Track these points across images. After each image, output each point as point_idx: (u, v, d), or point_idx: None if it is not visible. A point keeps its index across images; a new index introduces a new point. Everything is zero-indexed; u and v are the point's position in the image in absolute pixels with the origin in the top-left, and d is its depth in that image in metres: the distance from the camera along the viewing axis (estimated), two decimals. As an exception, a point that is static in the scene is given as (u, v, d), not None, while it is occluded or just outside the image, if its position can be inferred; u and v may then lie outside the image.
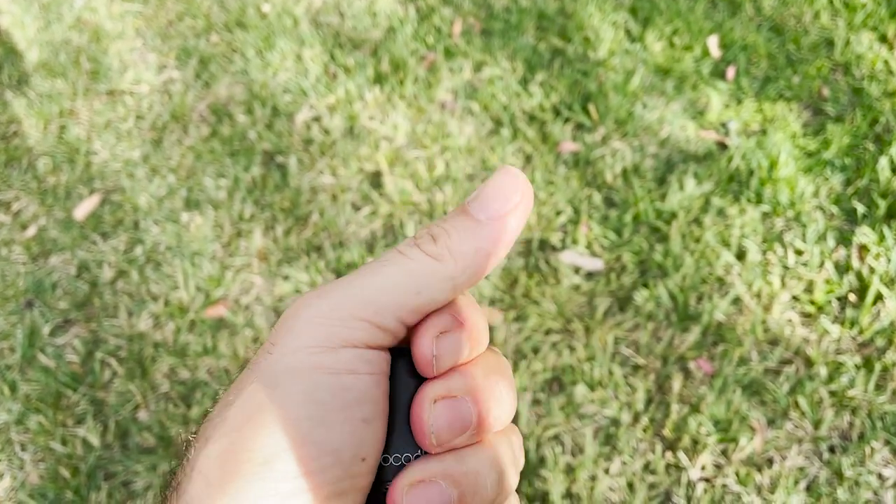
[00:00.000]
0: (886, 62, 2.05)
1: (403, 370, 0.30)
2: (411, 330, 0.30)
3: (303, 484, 0.26)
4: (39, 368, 1.47)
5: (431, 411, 0.28)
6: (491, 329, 1.45)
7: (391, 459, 0.29)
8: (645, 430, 1.31)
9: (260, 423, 0.26)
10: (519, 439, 0.33)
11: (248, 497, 0.25)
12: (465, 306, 0.30)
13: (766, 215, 1.66)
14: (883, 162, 1.74)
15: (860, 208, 1.65)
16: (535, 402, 1.36)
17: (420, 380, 0.30)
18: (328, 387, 0.27)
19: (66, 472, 1.32)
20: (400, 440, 0.30)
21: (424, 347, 0.29)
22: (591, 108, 1.92)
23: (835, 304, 1.49)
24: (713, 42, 2.14)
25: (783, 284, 1.52)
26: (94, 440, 1.36)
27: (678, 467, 1.27)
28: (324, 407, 0.27)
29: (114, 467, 1.33)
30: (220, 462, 0.26)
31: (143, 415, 1.39)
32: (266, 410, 0.26)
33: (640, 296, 1.50)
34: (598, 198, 1.70)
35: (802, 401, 1.33)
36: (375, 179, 1.78)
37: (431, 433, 0.28)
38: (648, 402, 1.36)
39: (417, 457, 0.30)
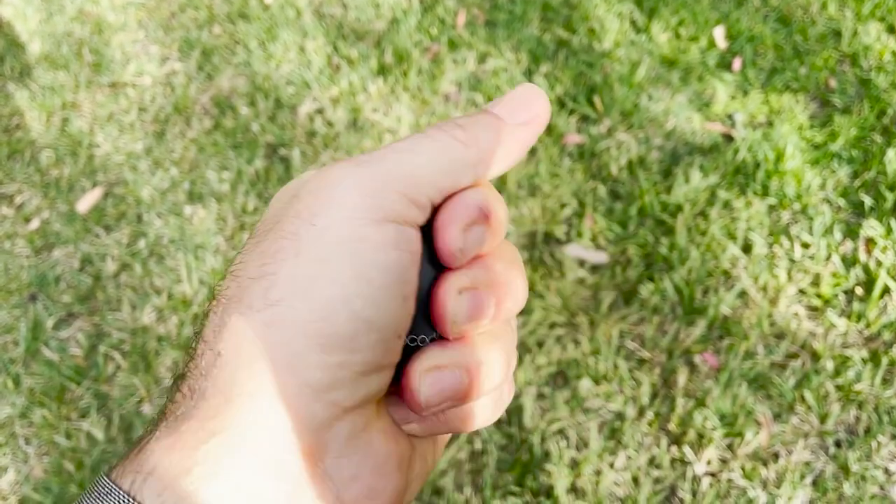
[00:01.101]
0: (894, 53, 2.03)
1: (426, 256, 0.31)
2: (434, 214, 0.31)
3: (350, 358, 0.27)
4: (43, 362, 1.47)
5: (457, 302, 0.29)
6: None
7: (407, 339, 0.30)
8: (650, 425, 1.31)
9: (311, 298, 0.26)
10: (515, 329, 0.34)
11: (293, 367, 0.26)
12: (491, 197, 0.31)
13: (772, 208, 1.65)
14: (890, 154, 1.72)
15: (867, 201, 1.63)
16: (540, 396, 1.36)
17: (439, 267, 0.31)
18: (377, 264, 0.27)
19: (70, 466, 1.32)
20: (417, 322, 0.30)
21: (453, 238, 0.29)
22: (597, 99, 1.91)
23: (841, 297, 1.48)
24: (719, 33, 2.13)
25: (789, 278, 1.51)
26: (99, 434, 1.36)
27: (683, 462, 1.27)
28: (372, 285, 0.27)
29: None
30: (265, 330, 0.26)
31: (147, 408, 1.39)
32: (317, 287, 0.27)
33: (646, 289, 1.49)
34: (603, 190, 1.69)
35: (809, 395, 1.32)
36: (379, 172, 1.77)
37: (454, 322, 0.29)
38: (654, 396, 1.35)
39: (433, 339, 0.31)
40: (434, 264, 0.31)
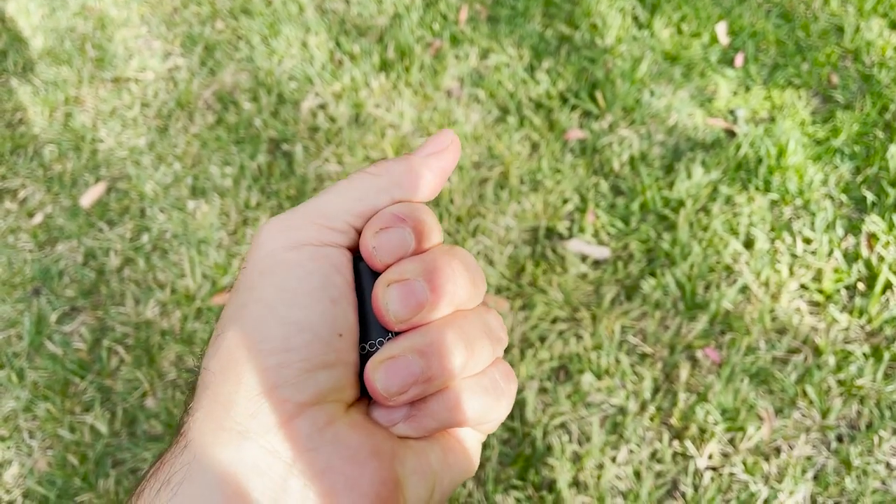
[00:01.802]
0: (897, 49, 2.03)
1: (367, 271, 0.34)
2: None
3: (287, 357, 0.30)
4: (47, 356, 1.47)
5: (385, 293, 0.32)
6: (498, 317, 1.45)
7: (367, 347, 0.34)
8: (652, 419, 1.31)
9: (245, 316, 0.31)
10: (497, 319, 0.37)
11: (241, 374, 0.30)
12: (408, 206, 0.35)
13: (774, 203, 1.65)
14: (892, 150, 1.72)
15: (869, 196, 1.63)
16: (542, 390, 1.36)
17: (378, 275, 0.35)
18: (295, 275, 0.31)
19: (74, 460, 1.32)
20: (373, 329, 0.34)
21: (366, 240, 0.33)
22: (599, 95, 1.91)
23: (843, 292, 1.48)
24: (721, 29, 2.13)
25: (791, 273, 1.51)
26: (102, 427, 1.36)
27: (685, 456, 1.27)
28: (294, 292, 0.31)
29: (122, 454, 1.33)
30: (220, 359, 0.30)
31: (150, 402, 1.39)
32: (249, 305, 0.31)
33: (648, 284, 1.49)
34: (605, 186, 1.69)
35: (810, 390, 1.33)
36: (381, 167, 1.77)
37: (389, 312, 0.32)
38: (655, 390, 1.35)
39: (389, 339, 0.33)
40: (377, 275, 0.34)
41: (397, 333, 0.33)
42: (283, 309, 0.31)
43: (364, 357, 0.33)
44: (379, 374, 0.31)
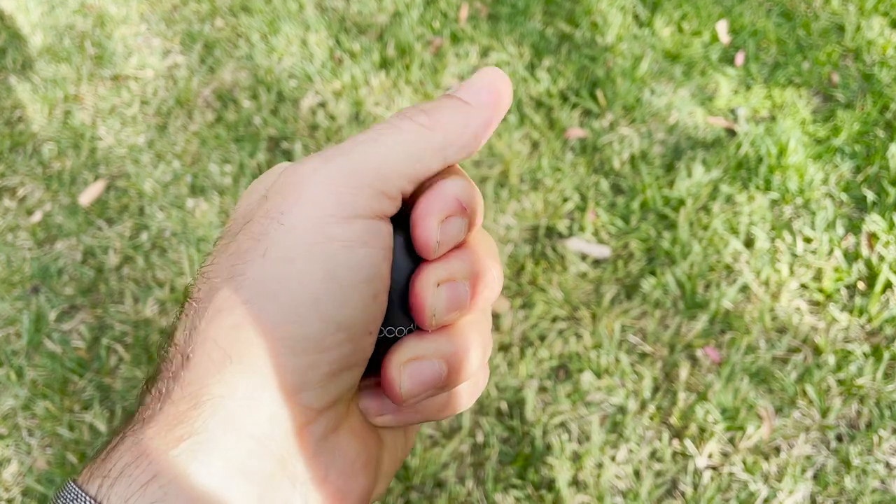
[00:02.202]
0: (898, 48, 2.03)
1: (399, 245, 0.30)
2: (408, 204, 0.30)
3: (319, 358, 0.26)
4: (46, 354, 1.47)
5: (435, 295, 0.29)
6: (498, 316, 1.45)
7: (384, 331, 0.30)
8: (652, 418, 1.31)
9: (279, 299, 0.26)
10: (490, 311, 0.35)
11: (263, 370, 0.26)
12: (468, 187, 0.31)
13: (774, 202, 1.65)
14: (893, 149, 1.72)
15: (870, 196, 1.63)
16: (542, 389, 1.36)
17: (415, 258, 0.31)
18: (345, 263, 0.27)
19: (73, 458, 1.32)
20: (394, 313, 0.30)
21: (430, 231, 0.29)
22: (599, 93, 1.91)
23: (843, 292, 1.48)
24: (722, 27, 2.12)
25: (791, 272, 1.51)
26: (101, 426, 1.36)
27: (685, 455, 1.27)
28: (340, 284, 0.27)
29: (121, 453, 1.33)
30: (234, 333, 0.26)
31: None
32: (285, 287, 0.26)
33: (648, 283, 1.49)
34: (605, 184, 1.69)
35: (810, 389, 1.32)
36: (381, 166, 1.77)
37: (433, 315, 0.29)
38: (655, 389, 1.35)
39: (410, 331, 0.31)
40: (410, 255, 0.31)
41: (417, 326, 0.31)
42: (326, 304, 0.26)
43: (381, 341, 0.30)
44: (404, 376, 0.29)
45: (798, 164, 1.70)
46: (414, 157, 0.29)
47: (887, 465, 1.25)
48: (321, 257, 0.27)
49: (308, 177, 0.28)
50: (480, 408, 1.34)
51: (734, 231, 1.58)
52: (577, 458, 1.27)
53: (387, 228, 0.29)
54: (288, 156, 1.81)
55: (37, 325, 1.52)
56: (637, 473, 1.25)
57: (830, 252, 1.54)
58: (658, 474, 1.25)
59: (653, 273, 1.51)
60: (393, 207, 0.29)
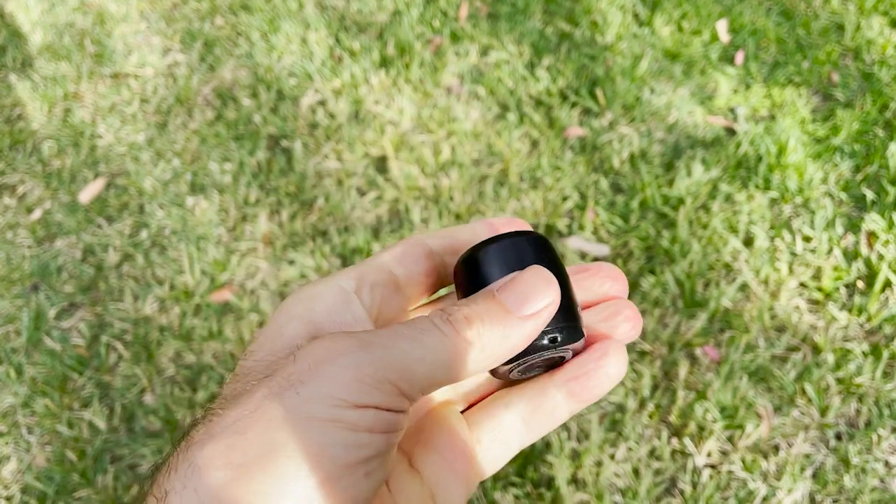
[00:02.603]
0: (897, 47, 2.03)
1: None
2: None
3: None
4: (45, 352, 1.47)
5: None
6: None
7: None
8: (651, 417, 1.31)
9: (267, 469, 0.26)
10: None
11: None
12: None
13: (774, 201, 1.65)
14: (893, 148, 1.72)
15: (869, 195, 1.63)
16: (541, 387, 1.36)
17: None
18: (344, 443, 0.27)
19: (72, 455, 1.32)
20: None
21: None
22: (599, 92, 1.91)
23: (843, 291, 1.48)
24: (722, 26, 2.12)
25: (791, 271, 1.51)
26: (101, 423, 1.36)
27: (684, 453, 1.27)
28: (334, 462, 0.26)
29: (120, 450, 1.33)
30: (221, 488, 0.26)
31: (148, 398, 1.39)
32: (277, 458, 0.26)
33: (647, 282, 1.49)
34: (604, 183, 1.69)
35: (809, 388, 1.33)
36: (381, 164, 1.77)
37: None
38: (654, 388, 1.35)
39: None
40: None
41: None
42: (315, 480, 0.26)
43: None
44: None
45: (797, 163, 1.70)
46: (446, 367, 0.29)
47: (886, 463, 1.25)
48: (323, 435, 0.26)
49: (339, 358, 0.28)
50: (480, 406, 1.34)
51: (733, 230, 1.58)
52: (576, 456, 1.27)
53: (397, 417, 0.29)
54: (288, 154, 1.81)
55: (36, 323, 1.52)
56: (636, 472, 1.25)
57: (830, 251, 1.54)
58: (657, 472, 1.25)
59: (652, 272, 1.51)
60: (408, 405, 0.29)
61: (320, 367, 0.28)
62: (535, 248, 0.33)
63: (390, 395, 0.28)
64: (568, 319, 0.32)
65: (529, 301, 0.30)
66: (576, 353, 0.34)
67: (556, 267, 0.32)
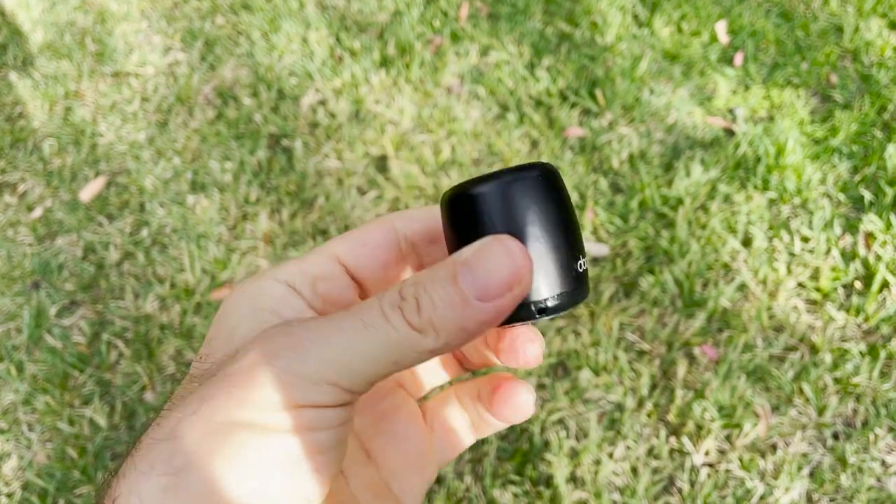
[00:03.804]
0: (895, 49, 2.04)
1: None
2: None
3: None
4: (46, 349, 1.47)
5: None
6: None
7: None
8: (649, 416, 1.32)
9: (202, 477, 0.26)
10: None
11: None
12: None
13: (772, 202, 1.66)
14: (891, 149, 1.73)
15: (867, 196, 1.64)
16: (540, 386, 1.36)
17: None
18: (281, 445, 0.26)
19: (73, 452, 1.33)
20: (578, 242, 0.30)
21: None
22: (598, 93, 1.91)
23: (840, 291, 1.49)
24: (721, 28, 2.13)
25: (789, 271, 1.52)
26: (101, 421, 1.36)
27: (682, 452, 1.28)
28: (274, 464, 0.26)
29: (121, 448, 1.33)
30: (163, 493, 0.25)
31: (149, 396, 1.40)
32: (217, 460, 0.26)
33: (646, 282, 1.50)
34: (604, 183, 1.69)
35: (807, 387, 1.33)
36: (381, 163, 1.77)
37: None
38: (653, 387, 1.36)
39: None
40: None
41: None
42: (252, 485, 0.26)
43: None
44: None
45: (796, 164, 1.71)
46: (395, 358, 0.27)
47: (883, 463, 1.26)
48: (254, 441, 0.26)
49: (275, 359, 0.27)
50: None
51: (732, 230, 1.59)
52: (574, 454, 1.28)
53: (338, 414, 0.28)
54: (288, 153, 1.82)
55: (37, 321, 1.52)
56: (634, 470, 1.26)
57: (828, 251, 1.55)
58: (655, 471, 1.26)
59: (651, 271, 1.52)
60: (353, 398, 0.28)
61: (256, 369, 0.27)
62: (531, 195, 0.29)
63: (329, 393, 0.27)
64: (562, 285, 0.29)
65: (492, 289, 0.26)
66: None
67: (552, 219, 0.29)
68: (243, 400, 0.26)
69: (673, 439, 1.29)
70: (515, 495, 1.23)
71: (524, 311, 0.29)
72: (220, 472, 0.25)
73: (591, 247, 1.57)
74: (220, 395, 0.27)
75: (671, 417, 1.31)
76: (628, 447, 1.28)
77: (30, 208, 1.77)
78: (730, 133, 1.83)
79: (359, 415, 0.37)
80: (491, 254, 0.26)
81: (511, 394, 0.35)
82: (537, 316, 0.29)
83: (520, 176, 0.29)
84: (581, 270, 0.29)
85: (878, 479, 1.24)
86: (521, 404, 0.35)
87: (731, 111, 1.89)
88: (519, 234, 0.28)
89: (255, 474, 0.26)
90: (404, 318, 0.27)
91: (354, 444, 0.36)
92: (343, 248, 0.33)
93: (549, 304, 0.28)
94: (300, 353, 0.27)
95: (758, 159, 1.73)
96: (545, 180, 0.29)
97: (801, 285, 1.50)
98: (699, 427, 1.30)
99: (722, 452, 1.28)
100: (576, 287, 0.29)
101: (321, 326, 0.28)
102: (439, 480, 1.26)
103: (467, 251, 0.27)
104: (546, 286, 0.28)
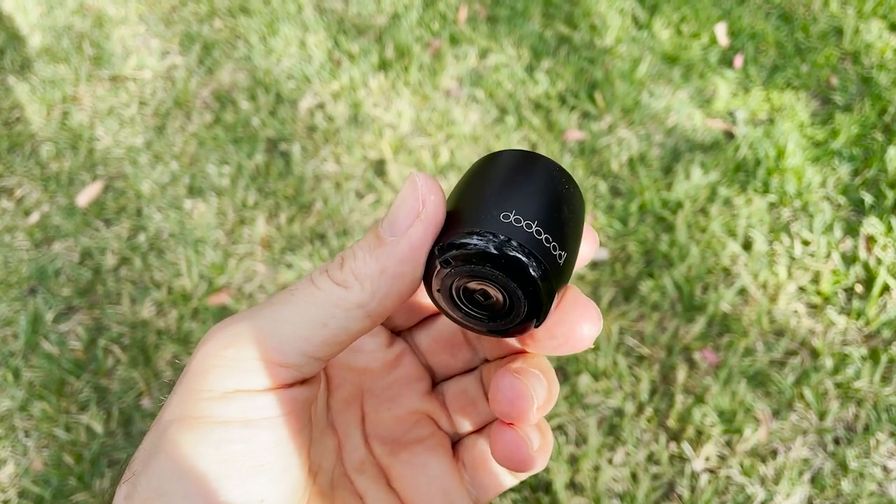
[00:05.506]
0: (896, 51, 2.03)
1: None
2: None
3: None
4: (43, 355, 1.47)
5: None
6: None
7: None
8: (649, 421, 1.31)
9: (153, 473, 0.25)
10: None
11: None
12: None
13: (772, 205, 1.65)
14: (891, 152, 1.72)
15: (868, 198, 1.63)
16: (539, 391, 1.35)
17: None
18: (214, 441, 0.25)
19: (69, 459, 1.32)
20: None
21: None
22: (598, 96, 1.91)
23: (841, 295, 1.48)
24: (721, 30, 2.12)
25: (789, 275, 1.51)
26: (98, 427, 1.36)
27: (682, 458, 1.27)
28: (228, 468, 0.25)
29: (117, 454, 1.33)
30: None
31: (146, 402, 1.39)
32: (173, 487, 0.25)
33: (646, 286, 1.49)
34: (603, 187, 1.69)
35: (808, 392, 1.32)
36: (379, 167, 1.77)
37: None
38: (653, 392, 1.35)
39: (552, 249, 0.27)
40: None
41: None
42: (216, 497, 0.25)
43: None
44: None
45: (796, 166, 1.70)
46: (323, 319, 0.26)
47: (884, 468, 1.25)
48: (195, 435, 0.25)
49: (218, 349, 0.26)
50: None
51: (732, 233, 1.58)
52: (574, 460, 1.27)
53: (284, 395, 0.26)
54: (286, 157, 1.81)
55: (34, 326, 1.52)
56: (634, 476, 1.25)
57: (828, 255, 1.54)
58: (655, 477, 1.25)
59: (651, 275, 1.51)
60: (297, 374, 0.27)
61: (198, 362, 0.27)
62: (497, 165, 0.28)
63: (261, 373, 0.26)
64: (474, 225, 0.26)
65: (400, 219, 0.26)
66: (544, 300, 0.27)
67: (496, 180, 0.28)
68: (189, 393, 0.26)
69: (673, 445, 1.28)
70: (515, 501, 1.23)
71: (437, 251, 0.27)
72: (160, 468, 0.25)
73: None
74: (174, 394, 0.27)
75: (671, 423, 1.30)
76: (628, 453, 1.27)
77: (27, 213, 1.76)
78: (730, 136, 1.82)
79: (378, 440, 0.36)
80: (401, 191, 0.27)
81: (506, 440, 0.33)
82: (443, 253, 0.26)
83: (492, 155, 0.30)
84: (529, 231, 0.26)
85: (880, 485, 1.23)
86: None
87: (730, 114, 1.88)
88: (473, 194, 0.28)
89: (190, 469, 0.25)
90: (329, 276, 0.26)
91: (374, 469, 0.35)
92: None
93: (456, 240, 0.26)
94: (232, 333, 0.26)
95: (758, 162, 1.73)
96: (528, 160, 0.30)
97: (801, 289, 1.49)
98: (699, 432, 1.29)
99: (722, 458, 1.27)
100: (503, 235, 0.25)
101: (254, 308, 0.27)
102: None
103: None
104: (458, 230, 0.26)
